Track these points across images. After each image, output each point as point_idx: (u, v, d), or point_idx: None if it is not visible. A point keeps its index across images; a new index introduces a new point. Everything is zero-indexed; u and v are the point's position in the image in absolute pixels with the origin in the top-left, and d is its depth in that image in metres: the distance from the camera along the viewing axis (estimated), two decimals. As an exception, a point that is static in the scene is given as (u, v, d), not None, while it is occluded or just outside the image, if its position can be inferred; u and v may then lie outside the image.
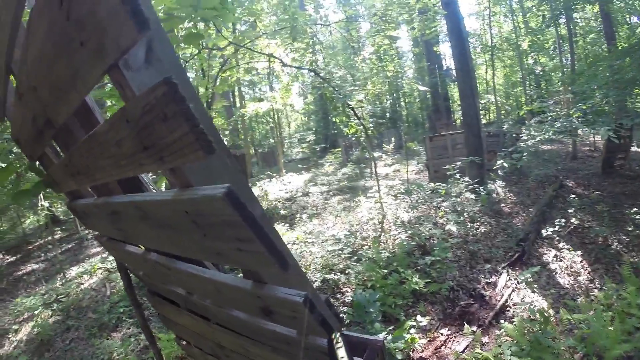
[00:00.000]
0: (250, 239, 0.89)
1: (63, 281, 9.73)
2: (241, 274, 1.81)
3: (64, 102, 1.23)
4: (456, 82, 18.24)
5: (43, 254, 12.89)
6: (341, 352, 1.14)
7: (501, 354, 4.63)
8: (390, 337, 5.02)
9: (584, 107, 8.73)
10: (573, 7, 13.97)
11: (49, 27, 1.02)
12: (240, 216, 0.83)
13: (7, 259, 13.30)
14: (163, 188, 4.61)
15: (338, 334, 1.21)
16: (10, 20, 1.29)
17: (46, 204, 10.61)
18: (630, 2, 17.75)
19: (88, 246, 13.00)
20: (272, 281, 1.27)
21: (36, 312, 8.12)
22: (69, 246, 13.55)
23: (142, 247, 2.27)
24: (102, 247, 11.36)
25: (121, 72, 0.87)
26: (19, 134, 2.14)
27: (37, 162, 2.38)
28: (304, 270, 7.55)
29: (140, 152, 0.92)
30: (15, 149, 6.32)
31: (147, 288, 3.20)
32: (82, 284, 9.40)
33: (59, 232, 15.44)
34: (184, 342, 3.38)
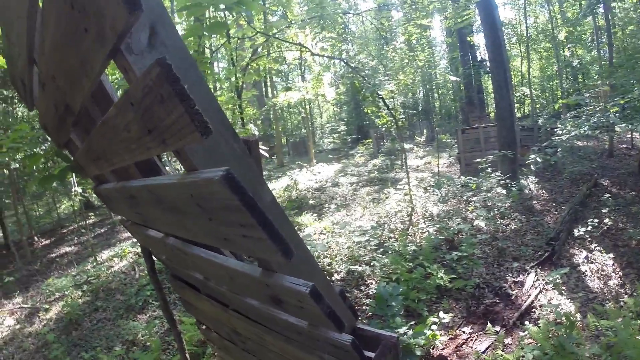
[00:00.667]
0: (252, 224, 0.87)
1: (94, 264, 10.08)
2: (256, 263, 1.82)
3: (78, 88, 1.25)
4: (490, 74, 17.79)
5: (76, 238, 13.38)
6: None
7: (523, 357, 4.51)
8: (411, 332, 4.96)
9: (622, 102, 8.37)
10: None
11: (58, 16, 1.03)
12: (240, 200, 0.81)
13: (42, 242, 13.85)
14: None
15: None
16: (26, 9, 1.31)
17: (79, 189, 10.96)
18: None
19: (120, 231, 13.40)
20: (282, 270, 1.26)
21: (67, 292, 8.44)
22: (102, 231, 14.02)
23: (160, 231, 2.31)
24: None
25: (124, 56, 0.87)
26: (46, 121, 2.20)
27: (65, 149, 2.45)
28: (330, 261, 7.57)
29: (145, 135, 0.92)
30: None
31: (170, 272, 3.27)
32: (112, 267, 9.71)
33: (92, 217, 15.99)
34: (204, 327, 3.44)
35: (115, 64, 0.93)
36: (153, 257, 3.35)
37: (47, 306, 8.16)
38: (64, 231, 14.84)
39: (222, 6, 2.71)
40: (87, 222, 13.18)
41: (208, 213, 0.99)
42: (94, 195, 18.03)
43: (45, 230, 15.66)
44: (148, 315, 7.21)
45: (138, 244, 10.70)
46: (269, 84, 28.84)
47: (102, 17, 0.80)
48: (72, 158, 2.49)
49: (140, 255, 9.95)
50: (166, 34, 0.95)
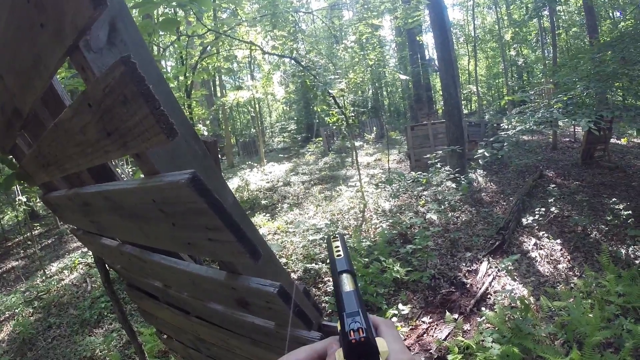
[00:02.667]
0: (219, 227, 0.86)
1: (43, 278, 9.57)
2: (216, 266, 1.79)
3: (28, 89, 1.18)
4: (438, 72, 18.29)
5: (22, 251, 12.65)
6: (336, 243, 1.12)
7: (483, 340, 4.69)
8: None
9: (565, 99, 8.82)
10: (557, -1, 14.12)
11: (11, 10, 0.97)
12: (207, 203, 0.79)
13: (-15, 257, 12.99)
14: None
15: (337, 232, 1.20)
16: None
17: (24, 198, 10.37)
18: None
19: (68, 241, 12.79)
20: (247, 272, 1.24)
21: (17, 310, 7.98)
22: (49, 242, 13.32)
23: (115, 239, 2.23)
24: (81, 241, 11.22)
25: (82, 53, 0.83)
26: (-11, 125, 2.07)
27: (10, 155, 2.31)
28: (285, 260, 7.55)
29: (104, 138, 0.88)
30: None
31: (125, 282, 3.15)
32: (63, 279, 9.26)
33: (38, 227, 15.17)
34: (165, 336, 3.35)
35: (71, 62, 0.88)
36: (107, 267, 3.22)
37: (-3, 326, 7.67)
38: (9, 244, 13.97)
39: (173, 2, 2.64)
40: (33, 233, 12.46)
41: (171, 218, 0.96)
42: (39, 204, 17.14)
43: (-13, 243, 14.70)
44: (104, 328, 6.92)
45: (89, 254, 10.30)
46: (217, 83, 28.35)
47: (61, 12, 0.76)
48: (18, 165, 2.36)
49: (91, 266, 9.55)
50: (126, 30, 0.91)
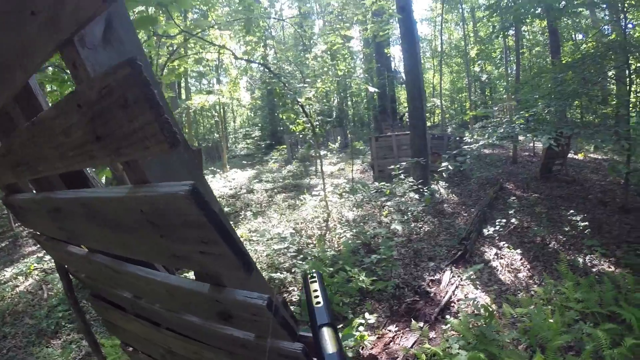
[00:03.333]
0: (215, 240, 0.82)
1: (-4, 284, 9.03)
2: (186, 275, 1.72)
3: (7, 82, 1.10)
4: (404, 85, 18.59)
5: (-28, 255, 11.90)
6: (315, 286, 1.08)
7: (449, 347, 4.76)
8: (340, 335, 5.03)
9: (527, 115, 9.19)
10: (523, 20, 14.67)
11: None
12: (206, 216, 0.75)
13: None
14: (103, 181, 4.34)
15: (314, 271, 1.16)
16: None
17: (-26, 199, 9.78)
18: (577, 20, 18.87)
19: (23, 245, 12.16)
20: (232, 284, 1.20)
21: (-32, 319, 7.47)
22: (2, 245, 12.61)
23: (85, 247, 2.12)
24: (40, 247, 10.63)
25: (76, 49, 0.77)
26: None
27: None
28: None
29: (92, 142, 0.83)
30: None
31: (89, 291, 3.01)
32: (18, 286, 8.77)
33: (-11, 229, 14.35)
34: (130, 349, 3.21)
35: (62, 57, 0.82)
36: (70, 276, 3.06)
37: (-55, 337, 7.16)
38: (-42, 247, 13.13)
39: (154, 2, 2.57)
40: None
41: (160, 230, 0.91)
42: (-10, 206, 16.21)
43: None
44: (62, 339, 6.58)
45: (45, 259, 9.84)
46: (182, 85, 27.79)
47: (59, 1, 0.70)
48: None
49: (47, 272, 9.12)
50: (122, 29, 0.86)
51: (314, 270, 1.16)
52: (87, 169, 1.70)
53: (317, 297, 0.83)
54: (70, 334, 6.66)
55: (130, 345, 3.09)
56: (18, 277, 9.26)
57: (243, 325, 1.37)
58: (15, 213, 2.33)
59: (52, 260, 9.53)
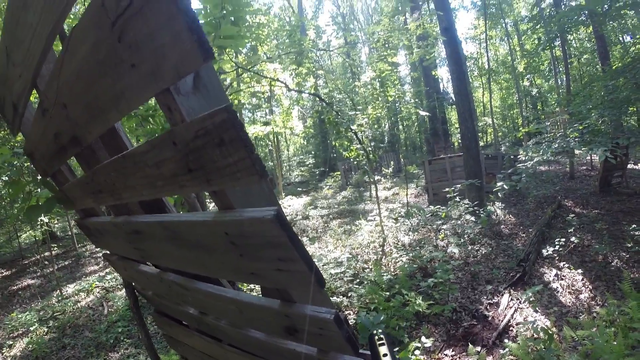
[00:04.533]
0: (293, 258, 0.91)
1: (59, 298, 9.64)
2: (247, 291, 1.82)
3: (99, 121, 1.25)
4: (454, 105, 18.39)
5: (39, 270, 12.78)
6: (383, 349, 1.14)
7: (506, 374, 4.60)
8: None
9: (581, 127, 8.84)
10: (567, 29, 14.25)
11: (95, 46, 1.03)
12: (288, 237, 0.85)
13: (2, 273, 13.16)
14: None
15: (380, 331, 1.21)
16: (46, 35, 1.31)
17: (45, 219, 10.55)
18: (623, 22, 18.13)
19: (85, 264, 12.92)
20: (301, 300, 1.28)
21: (31, 328, 8.02)
22: (66, 263, 13.45)
23: (155, 266, 2.28)
24: (105, 265, 11.21)
25: (172, 96, 0.89)
26: (35, 148, 2.15)
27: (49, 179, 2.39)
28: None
29: (184, 174, 0.95)
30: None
31: (154, 308, 3.18)
32: (79, 301, 9.31)
33: (55, 248, 15.35)
34: (190, 363, 3.35)
35: (157, 102, 0.95)
36: (136, 293, 3.26)
37: (11, 342, 7.70)
38: (26, 262, 14.14)
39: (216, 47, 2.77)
40: (52, 253, 12.61)
41: (241, 249, 1.01)
42: (57, 225, 17.35)
43: (5, 260, 14.91)
44: (120, 353, 6.91)
45: (106, 278, 10.39)
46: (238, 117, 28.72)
47: (161, 56, 0.83)
48: (57, 188, 2.44)
49: (109, 290, 9.61)
50: (208, 77, 0.99)
51: (380, 331, 1.21)
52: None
53: None
54: (128, 348, 6.98)
55: (191, 360, 3.23)
56: (80, 293, 9.83)
57: (308, 340, 1.45)
58: (89, 234, 2.54)
59: (114, 280, 10.11)
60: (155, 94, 0.92)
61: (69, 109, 1.44)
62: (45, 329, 8.02)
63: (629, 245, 7.77)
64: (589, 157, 15.94)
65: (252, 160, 0.75)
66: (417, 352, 5.31)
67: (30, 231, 14.90)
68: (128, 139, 1.71)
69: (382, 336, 0.99)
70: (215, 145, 0.80)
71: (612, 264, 7.53)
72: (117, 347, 7.13)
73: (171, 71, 0.82)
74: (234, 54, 13.08)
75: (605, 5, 11.07)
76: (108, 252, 2.76)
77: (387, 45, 13.59)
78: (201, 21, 2.79)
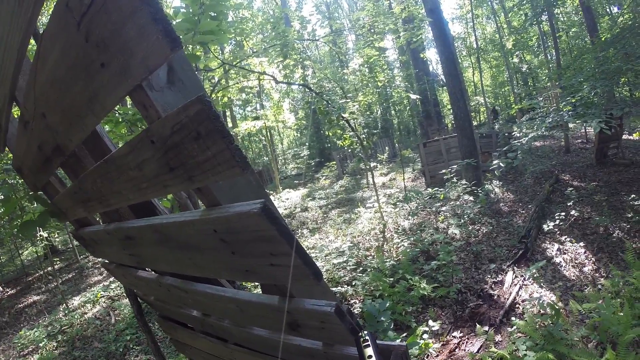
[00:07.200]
0: (285, 252, 0.88)
1: (66, 312, 9.60)
2: (247, 289, 1.79)
3: (78, 127, 1.21)
4: (445, 87, 18.30)
5: (43, 285, 12.74)
6: (369, 351, 1.13)
7: (516, 350, 4.60)
8: (404, 344, 4.97)
9: (573, 101, 8.79)
10: (554, 3, 14.16)
11: (64, 50, 0.99)
12: (277, 230, 0.82)
13: (8, 292, 13.12)
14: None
15: (365, 332, 1.20)
16: (17, 45, 1.27)
17: (45, 234, 10.49)
18: None
19: (88, 275, 12.88)
20: (301, 294, 1.25)
21: (41, 344, 7.99)
22: (69, 276, 13.41)
23: (153, 271, 2.25)
24: (106, 276, 11.18)
25: (145, 92, 0.86)
26: (22, 163, 2.11)
27: (40, 192, 2.34)
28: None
29: (165, 173, 0.91)
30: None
31: (158, 313, 3.16)
32: (86, 313, 9.28)
33: (57, 262, 15.30)
34: (198, 365, 3.33)
35: (131, 100, 0.91)
36: (139, 300, 3.24)
37: (22, 360, 7.70)
38: (30, 279, 14.09)
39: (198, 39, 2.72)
40: (54, 267, 12.56)
41: (232, 246, 0.98)
42: (58, 239, 17.29)
43: (9, 279, 14.85)
44: (130, 360, 6.91)
45: (110, 287, 10.36)
46: (228, 114, 28.75)
47: (129, 52, 0.79)
48: (49, 202, 2.40)
49: (114, 299, 9.58)
50: (182, 70, 0.95)
51: (366, 332, 1.20)
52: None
53: None
54: (138, 355, 6.96)
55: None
56: (86, 304, 9.80)
57: (311, 334, 1.42)
58: (85, 245, 2.51)
59: (118, 288, 10.09)
60: (127, 92, 0.88)
61: (48, 118, 1.40)
62: (55, 344, 7.99)
63: (629, 215, 7.77)
64: (583, 130, 15.93)
65: (232, 152, 0.71)
66: (425, 336, 5.32)
67: (31, 247, 14.86)
68: (112, 143, 1.67)
69: (367, 337, 0.97)
70: (193, 139, 0.76)
71: (614, 235, 7.53)
72: (127, 355, 7.12)
73: (140, 66, 0.78)
74: (220, 51, 12.99)
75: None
76: (106, 261, 2.73)
77: (372, 31, 13.49)
78: (180, 19, 2.73)
